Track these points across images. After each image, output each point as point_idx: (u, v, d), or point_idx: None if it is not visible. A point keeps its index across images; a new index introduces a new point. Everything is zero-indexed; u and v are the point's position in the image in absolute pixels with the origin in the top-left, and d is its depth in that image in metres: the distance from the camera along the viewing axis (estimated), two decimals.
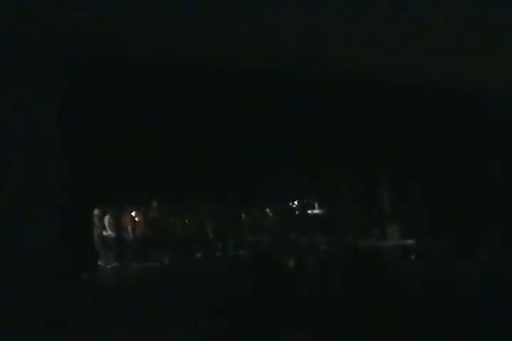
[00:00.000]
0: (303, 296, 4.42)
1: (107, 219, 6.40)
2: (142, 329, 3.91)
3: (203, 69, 5.62)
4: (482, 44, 5.40)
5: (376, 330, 3.89)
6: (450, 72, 6.40)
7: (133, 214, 6.63)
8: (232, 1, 4.26)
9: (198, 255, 6.70)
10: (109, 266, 6.17)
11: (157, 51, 5.36)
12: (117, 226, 6.49)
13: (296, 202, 7.36)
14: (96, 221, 6.27)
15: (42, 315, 4.27)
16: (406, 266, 5.77)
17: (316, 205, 7.42)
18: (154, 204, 6.70)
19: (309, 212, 7.36)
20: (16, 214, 4.52)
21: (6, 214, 4.48)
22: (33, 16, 4.37)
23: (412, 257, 6.35)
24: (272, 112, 6.32)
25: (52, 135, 4.79)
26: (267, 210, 7.24)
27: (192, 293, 4.72)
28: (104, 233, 6.32)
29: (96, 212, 6.26)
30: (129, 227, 6.56)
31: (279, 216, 7.21)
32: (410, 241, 6.96)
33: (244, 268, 4.97)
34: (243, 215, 7.09)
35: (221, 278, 5.08)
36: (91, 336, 3.90)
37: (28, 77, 4.69)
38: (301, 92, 6.33)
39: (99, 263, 6.14)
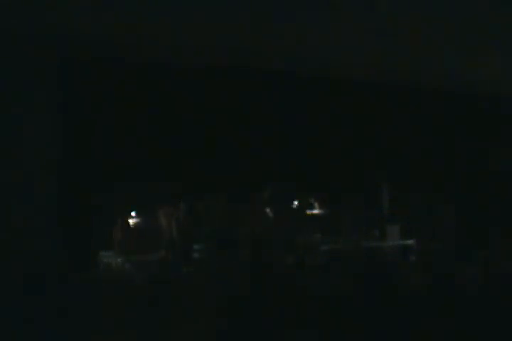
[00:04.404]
0: (303, 296, 4.42)
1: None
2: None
3: (203, 70, 5.62)
4: (482, 44, 5.41)
5: (376, 330, 3.90)
6: (450, 72, 6.42)
7: (133, 214, 6.64)
8: (232, 1, 4.27)
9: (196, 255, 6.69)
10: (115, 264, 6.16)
11: (157, 51, 5.37)
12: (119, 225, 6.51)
13: (296, 202, 7.35)
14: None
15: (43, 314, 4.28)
16: (406, 266, 5.77)
17: (316, 205, 7.41)
18: (155, 203, 6.70)
19: (309, 211, 7.36)
20: (16, 213, 4.53)
21: (6, 213, 4.50)
22: (33, 16, 4.37)
23: (413, 257, 6.35)
24: (272, 112, 6.33)
25: (52, 134, 4.79)
26: (267, 210, 7.23)
27: (193, 294, 4.72)
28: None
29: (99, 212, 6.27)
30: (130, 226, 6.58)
31: (278, 216, 7.21)
32: (410, 242, 6.95)
33: (245, 268, 4.98)
34: (242, 214, 7.09)
35: (221, 278, 5.08)
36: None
37: (28, 77, 4.69)
38: (300, 92, 6.34)
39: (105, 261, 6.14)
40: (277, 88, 6.16)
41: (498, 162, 7.34)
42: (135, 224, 6.68)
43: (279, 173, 6.70)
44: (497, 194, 7.18)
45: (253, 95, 6.13)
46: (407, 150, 7.10)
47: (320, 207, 7.36)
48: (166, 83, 5.65)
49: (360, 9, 4.41)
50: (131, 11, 4.35)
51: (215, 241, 6.69)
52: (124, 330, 4.20)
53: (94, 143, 5.47)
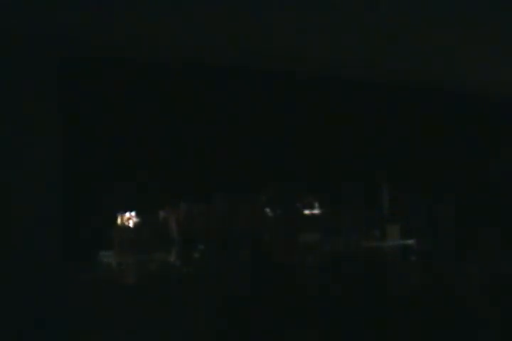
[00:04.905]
0: (303, 296, 4.42)
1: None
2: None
3: (203, 70, 5.62)
4: (482, 44, 5.41)
5: (376, 330, 3.90)
6: (450, 72, 6.42)
7: (131, 214, 6.65)
8: (232, 1, 4.26)
9: (196, 255, 6.69)
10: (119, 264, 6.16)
11: (157, 51, 5.37)
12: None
13: (296, 202, 7.36)
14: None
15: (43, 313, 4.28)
16: (406, 266, 5.77)
17: (316, 205, 7.42)
18: (155, 203, 6.70)
19: (309, 211, 7.36)
20: (15, 213, 4.54)
21: (6, 213, 4.50)
22: (33, 16, 4.37)
23: (412, 257, 6.35)
24: (272, 112, 6.33)
25: (52, 134, 4.79)
26: (267, 210, 7.24)
27: (192, 294, 4.72)
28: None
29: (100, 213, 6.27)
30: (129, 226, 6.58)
31: (278, 216, 7.21)
32: (410, 241, 6.96)
33: (245, 268, 4.97)
34: (242, 214, 7.09)
35: (221, 278, 5.08)
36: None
37: (28, 77, 4.69)
38: (300, 92, 6.34)
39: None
40: (277, 88, 6.16)
41: (499, 162, 7.34)
42: (135, 224, 6.69)
43: (279, 173, 6.70)
44: (497, 194, 7.18)
45: (253, 95, 6.12)
46: (407, 150, 7.10)
47: (320, 207, 7.36)
48: (166, 83, 5.65)
49: (360, 9, 4.41)
50: (131, 11, 4.35)
51: (215, 241, 6.70)
52: (124, 330, 4.20)
53: (94, 143, 5.47)
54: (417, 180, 7.16)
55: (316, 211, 7.47)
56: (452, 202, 7.07)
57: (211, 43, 5.16)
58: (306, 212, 7.39)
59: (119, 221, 6.74)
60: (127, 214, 6.79)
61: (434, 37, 5.16)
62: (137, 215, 6.78)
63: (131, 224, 6.77)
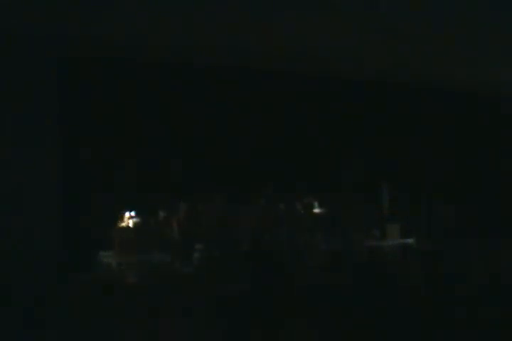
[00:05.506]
0: (303, 296, 4.42)
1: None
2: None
3: (203, 70, 5.63)
4: (482, 44, 5.42)
5: (376, 330, 3.90)
6: (450, 71, 6.42)
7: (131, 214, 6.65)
8: (232, 1, 4.27)
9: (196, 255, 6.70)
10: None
11: (157, 51, 5.37)
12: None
13: (296, 202, 7.35)
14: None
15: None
16: (406, 266, 5.77)
17: (316, 205, 7.42)
18: (155, 203, 6.70)
19: (309, 211, 7.36)
20: (16, 213, 4.54)
21: (6, 213, 4.50)
22: (33, 16, 4.38)
23: (413, 257, 6.35)
24: (273, 112, 6.33)
25: (52, 134, 4.80)
26: (267, 210, 7.23)
27: (192, 294, 4.72)
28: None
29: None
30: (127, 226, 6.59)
31: (278, 216, 7.21)
32: (410, 241, 6.96)
33: (245, 268, 4.97)
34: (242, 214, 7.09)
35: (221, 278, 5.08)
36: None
37: (28, 77, 4.70)
38: (300, 92, 6.34)
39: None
40: (277, 88, 6.17)
41: (498, 162, 7.35)
42: (135, 224, 6.69)
43: (279, 173, 6.70)
44: (497, 193, 7.19)
45: (253, 95, 6.13)
46: (408, 150, 7.11)
47: (320, 207, 7.36)
48: (166, 83, 5.65)
49: (360, 9, 4.42)
50: (131, 11, 4.35)
51: (215, 241, 6.70)
52: (124, 330, 4.20)
53: (94, 142, 5.47)
54: (417, 180, 7.16)
55: (316, 211, 7.47)
56: (452, 201, 7.08)
57: (211, 43, 5.16)
58: (307, 211, 7.39)
59: (119, 221, 6.76)
60: (127, 214, 6.80)
61: (434, 37, 5.16)
62: (137, 215, 6.79)
63: (131, 224, 6.77)
